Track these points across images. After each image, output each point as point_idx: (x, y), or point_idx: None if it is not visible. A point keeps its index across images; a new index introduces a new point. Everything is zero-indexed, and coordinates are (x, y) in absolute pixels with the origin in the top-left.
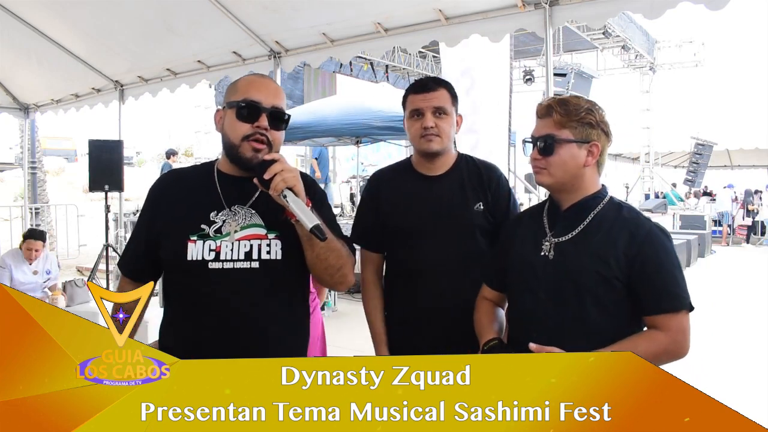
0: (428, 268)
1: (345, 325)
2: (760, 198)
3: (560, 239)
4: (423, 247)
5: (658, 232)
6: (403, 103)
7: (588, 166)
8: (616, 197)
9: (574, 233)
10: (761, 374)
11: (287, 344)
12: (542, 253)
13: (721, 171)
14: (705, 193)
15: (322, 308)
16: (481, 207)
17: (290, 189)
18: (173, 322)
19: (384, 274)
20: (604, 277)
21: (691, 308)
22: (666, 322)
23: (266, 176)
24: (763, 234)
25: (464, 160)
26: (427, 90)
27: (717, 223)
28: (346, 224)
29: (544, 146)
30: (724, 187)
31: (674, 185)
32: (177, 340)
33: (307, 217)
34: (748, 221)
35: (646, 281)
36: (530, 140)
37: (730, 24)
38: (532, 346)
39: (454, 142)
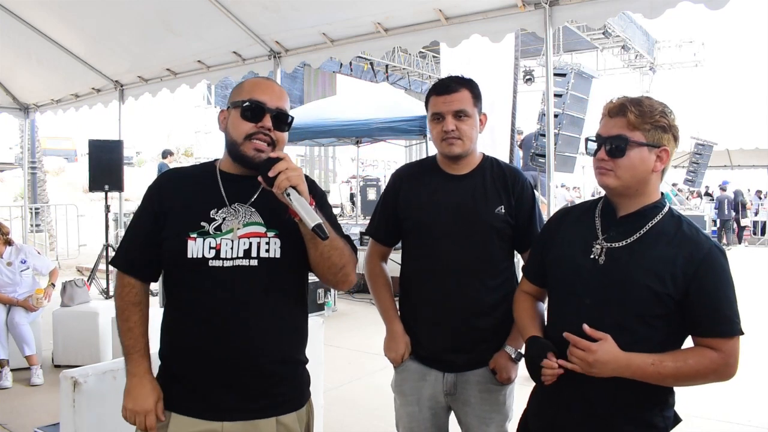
0: (442, 267)
1: (345, 325)
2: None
3: (613, 245)
4: (439, 244)
5: (718, 253)
6: (426, 104)
7: (656, 171)
8: (675, 209)
9: (629, 240)
10: (762, 374)
11: (285, 342)
12: (591, 257)
13: (721, 171)
14: (706, 194)
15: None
16: (503, 210)
17: (294, 188)
18: (173, 320)
19: (400, 271)
20: (655, 293)
21: (742, 333)
22: (719, 345)
23: (271, 174)
24: (763, 234)
25: (489, 162)
26: (448, 92)
27: (715, 223)
28: (346, 224)
29: (615, 148)
30: (721, 185)
31: (674, 185)
32: (177, 338)
33: (309, 216)
34: (744, 221)
35: (703, 303)
36: (598, 139)
37: (730, 24)
38: (568, 336)
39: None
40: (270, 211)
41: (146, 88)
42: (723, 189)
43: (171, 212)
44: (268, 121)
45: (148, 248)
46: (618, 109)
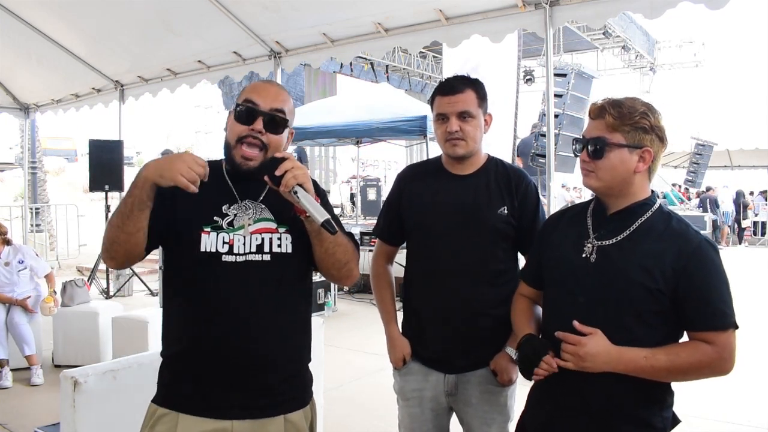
0: (444, 267)
1: (344, 325)
2: (766, 198)
3: (604, 242)
4: (440, 245)
5: (708, 247)
6: (431, 104)
7: (639, 172)
8: (666, 206)
9: (619, 237)
10: (761, 374)
11: (289, 340)
12: (583, 255)
13: (721, 171)
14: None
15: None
16: (505, 211)
17: (300, 185)
18: (180, 316)
19: (404, 271)
20: (647, 289)
21: (737, 327)
22: (712, 338)
23: (278, 172)
24: (763, 234)
25: (493, 163)
26: (453, 92)
27: (715, 223)
28: (346, 224)
29: (594, 149)
30: (707, 187)
31: (674, 185)
32: (186, 335)
33: (317, 212)
34: (745, 223)
35: (693, 297)
36: (581, 140)
37: (730, 24)
38: (558, 334)
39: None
40: (280, 207)
41: (146, 88)
42: (707, 190)
43: (182, 205)
44: (259, 124)
45: (154, 232)
46: (598, 112)
